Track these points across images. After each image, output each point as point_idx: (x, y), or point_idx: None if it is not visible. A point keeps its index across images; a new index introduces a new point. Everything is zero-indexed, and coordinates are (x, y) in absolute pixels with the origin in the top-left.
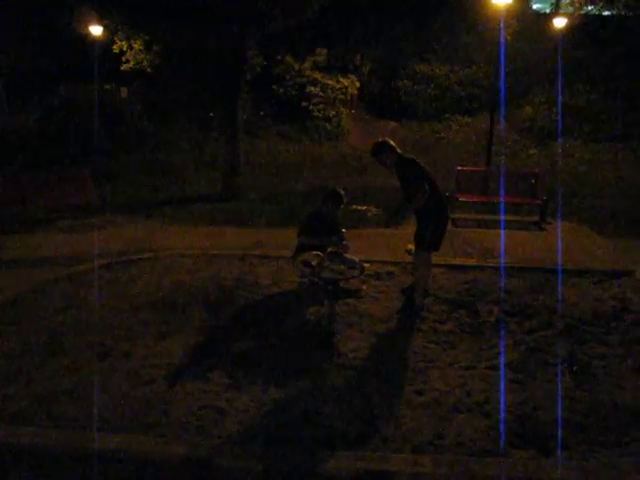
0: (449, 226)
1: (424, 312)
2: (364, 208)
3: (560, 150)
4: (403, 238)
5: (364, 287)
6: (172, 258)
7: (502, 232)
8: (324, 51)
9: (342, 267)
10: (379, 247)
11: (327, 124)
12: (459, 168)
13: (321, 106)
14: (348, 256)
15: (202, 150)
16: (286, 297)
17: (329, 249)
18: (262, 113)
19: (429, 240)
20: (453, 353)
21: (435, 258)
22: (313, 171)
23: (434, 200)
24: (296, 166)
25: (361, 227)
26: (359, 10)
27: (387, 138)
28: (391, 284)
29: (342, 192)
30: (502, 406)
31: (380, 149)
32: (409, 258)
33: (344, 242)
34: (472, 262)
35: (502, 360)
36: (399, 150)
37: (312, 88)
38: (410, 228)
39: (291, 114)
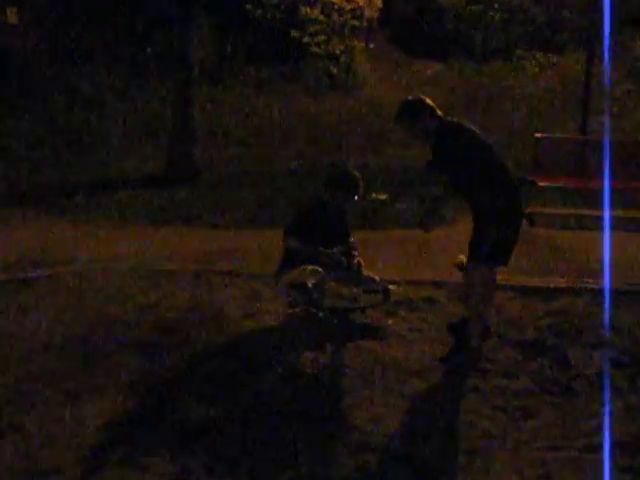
0: (523, 226)
1: (484, 361)
2: (384, 197)
3: None
4: (451, 244)
5: (390, 322)
6: (91, 276)
7: (606, 235)
8: None
9: (355, 291)
10: (413, 259)
11: (331, 66)
12: (538, 136)
13: (322, 38)
14: (364, 274)
15: (136, 108)
16: (266, 337)
17: (334, 260)
18: (230, 50)
19: (491, 248)
20: (530, 426)
21: (501, 276)
22: (309, 140)
23: (500, 189)
24: (282, 132)
25: (385, 228)
26: None
27: (422, 96)
28: (432, 317)
29: (357, 175)
30: None
31: (410, 113)
32: (460, 276)
33: (355, 253)
34: (560, 283)
35: (607, 438)
36: (440, 113)
37: (307, 9)
38: (462, 227)
39: (275, 51)
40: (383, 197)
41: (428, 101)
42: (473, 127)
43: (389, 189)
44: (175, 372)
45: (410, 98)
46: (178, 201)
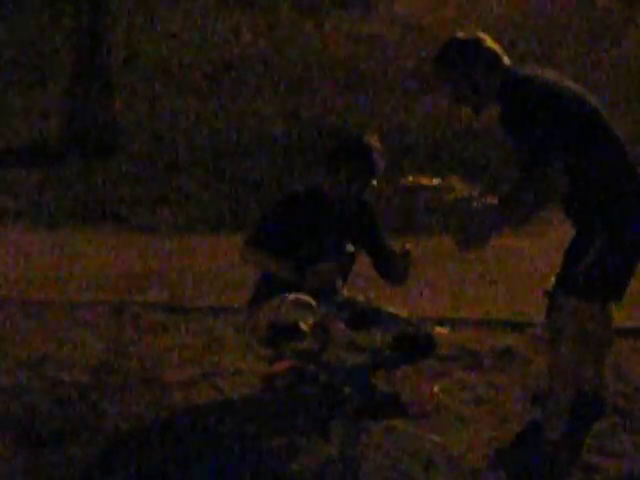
0: None
1: (593, 453)
2: (435, 183)
3: None
4: (539, 260)
5: (436, 389)
6: None
7: None
8: None
9: (379, 338)
10: (474, 285)
11: None
12: None
13: None
14: (390, 309)
15: (11, 33)
16: (232, 418)
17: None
18: None
19: (603, 274)
20: None
21: (617, 315)
22: (299, 86)
23: (615, 175)
24: (259, 74)
25: (428, 233)
26: None
27: (481, 34)
28: (506, 381)
29: (377, 144)
30: None
31: (457, 58)
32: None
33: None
34: None
35: None
36: (508, 61)
37: None
38: (557, 235)
39: None
40: (430, 182)
41: (490, 43)
42: (559, 77)
43: (436, 167)
44: (78, 473)
45: (460, 36)
46: (84, 187)
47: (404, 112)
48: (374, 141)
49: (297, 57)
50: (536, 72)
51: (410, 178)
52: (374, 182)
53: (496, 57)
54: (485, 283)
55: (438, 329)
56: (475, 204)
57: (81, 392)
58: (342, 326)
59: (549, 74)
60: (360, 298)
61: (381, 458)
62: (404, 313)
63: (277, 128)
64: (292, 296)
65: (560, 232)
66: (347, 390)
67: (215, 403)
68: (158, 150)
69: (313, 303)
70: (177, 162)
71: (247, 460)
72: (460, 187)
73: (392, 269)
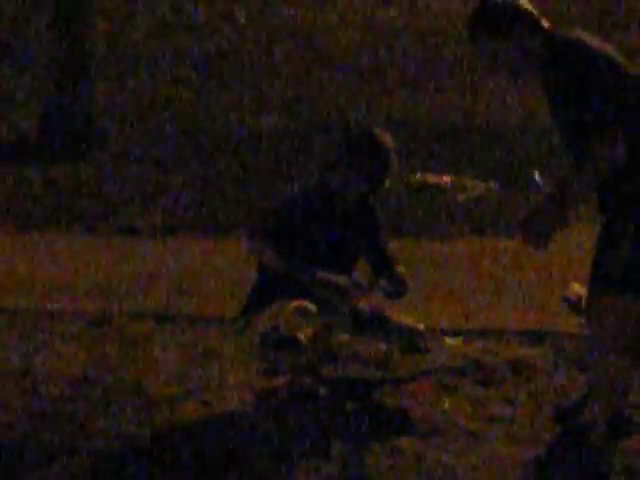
0: None
1: (619, 474)
2: (448, 180)
3: None
4: (558, 263)
5: (447, 405)
6: None
7: None
8: None
9: (384, 348)
10: (488, 291)
11: None
12: None
13: None
14: (397, 319)
15: None
16: (223, 435)
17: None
18: None
19: (635, 266)
20: None
21: None
22: (299, 75)
23: None
24: (250, 61)
25: (436, 236)
26: None
27: None
28: (522, 396)
29: (390, 141)
30: None
31: (496, 23)
32: (576, 321)
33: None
34: None
35: None
36: (546, 23)
37: None
38: (578, 233)
39: None
40: (443, 180)
41: (526, 4)
42: (608, 46)
43: (450, 165)
44: None
45: None
46: (63, 185)
47: (415, 101)
48: (389, 139)
49: (294, 41)
50: (585, 36)
51: (417, 176)
52: (385, 181)
53: (535, 17)
54: (499, 291)
55: (449, 340)
56: (481, 193)
57: (61, 407)
58: (345, 337)
59: (598, 41)
60: (366, 307)
61: (387, 479)
62: (413, 323)
63: (269, 121)
64: (293, 303)
65: (576, 237)
66: (350, 406)
67: (204, 420)
68: (142, 146)
69: (314, 311)
70: (163, 159)
71: None
72: (472, 185)
73: (390, 279)
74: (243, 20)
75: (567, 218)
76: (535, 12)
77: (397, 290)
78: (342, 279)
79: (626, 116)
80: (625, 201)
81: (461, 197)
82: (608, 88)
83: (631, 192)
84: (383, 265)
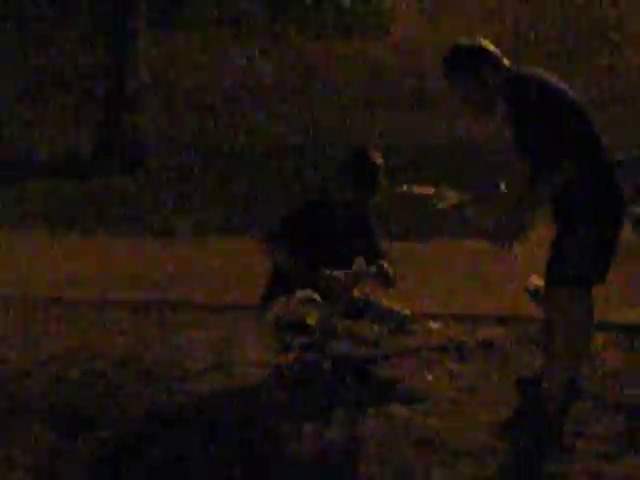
0: (627, 233)
1: (569, 435)
2: (429, 192)
3: None
4: (521, 261)
5: (430, 377)
6: None
7: None
8: None
9: (377, 331)
10: (464, 283)
11: None
12: None
13: None
14: (387, 305)
15: (51, 58)
16: (244, 401)
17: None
18: None
19: (585, 259)
20: None
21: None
22: (310, 105)
23: (598, 176)
24: (269, 92)
25: (421, 237)
26: None
27: (482, 40)
28: (492, 369)
29: (379, 159)
30: None
31: (463, 63)
32: (535, 309)
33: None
34: None
35: None
36: (507, 63)
37: None
38: (538, 237)
39: None
40: (423, 191)
41: (490, 46)
42: (556, 78)
43: (430, 178)
44: (107, 453)
45: (465, 42)
46: (114, 195)
47: (406, 126)
48: (378, 159)
49: (309, 79)
50: (539, 72)
51: (405, 187)
52: (375, 193)
53: (498, 58)
54: (472, 283)
55: (431, 324)
56: (468, 210)
57: (109, 381)
58: (345, 321)
59: (549, 76)
60: (360, 295)
61: (379, 441)
62: (401, 309)
63: (286, 137)
64: (300, 294)
65: (539, 238)
66: (348, 378)
67: (229, 390)
68: (180, 162)
69: (319, 300)
70: (197, 173)
71: (257, 441)
72: (450, 195)
73: (382, 272)
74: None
75: (525, 225)
76: (498, 53)
77: (385, 281)
78: (339, 274)
79: (573, 145)
80: (572, 213)
81: (441, 205)
82: (557, 120)
83: (576, 206)
84: (375, 260)
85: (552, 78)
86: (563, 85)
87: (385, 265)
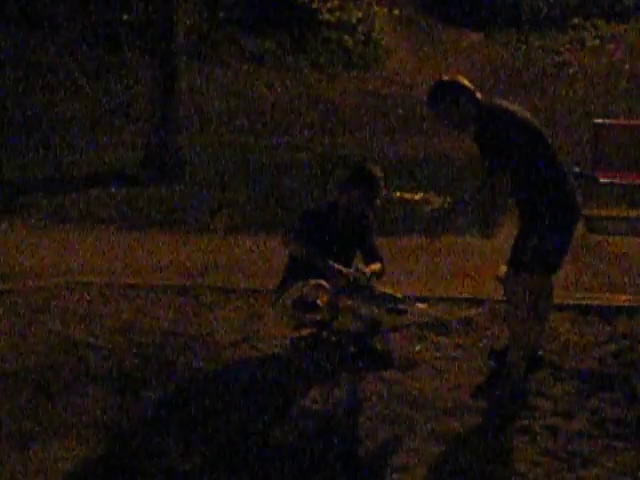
0: (580, 232)
1: (533, 397)
2: (418, 197)
3: None
4: (493, 253)
5: (418, 348)
6: (52, 292)
7: None
8: None
9: (376, 311)
10: (446, 271)
11: (347, 37)
12: (599, 122)
13: (336, 2)
14: (382, 289)
15: (107, 88)
16: (266, 367)
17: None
18: (222, 16)
19: (538, 252)
20: (589, 475)
21: (554, 293)
22: (319, 128)
23: (552, 182)
24: (286, 118)
25: (411, 235)
26: None
27: (458, 76)
28: (469, 342)
29: (378, 173)
30: None
31: (446, 96)
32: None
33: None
34: (626, 301)
35: None
36: (480, 95)
37: None
38: (507, 233)
39: (278, 19)
40: (415, 196)
41: (466, 82)
42: (519, 108)
43: (420, 186)
44: (154, 410)
45: (445, 78)
46: (158, 201)
47: (398, 145)
48: (379, 172)
49: (316, 105)
50: (504, 103)
51: (398, 194)
52: (376, 201)
53: (471, 91)
54: (453, 270)
55: (419, 305)
56: (441, 206)
57: (155, 351)
58: (348, 302)
59: (512, 105)
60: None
61: (377, 401)
62: (394, 292)
63: (297, 155)
64: (312, 281)
65: (508, 233)
66: (351, 350)
67: (254, 359)
68: (214, 174)
69: (327, 286)
70: (228, 182)
71: (278, 400)
72: (435, 200)
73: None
74: None
75: (494, 217)
76: (472, 87)
77: (378, 276)
78: (344, 268)
79: (526, 161)
80: (533, 214)
81: (427, 208)
82: (515, 143)
83: (536, 208)
84: (371, 256)
85: (515, 107)
86: (524, 113)
87: (378, 267)
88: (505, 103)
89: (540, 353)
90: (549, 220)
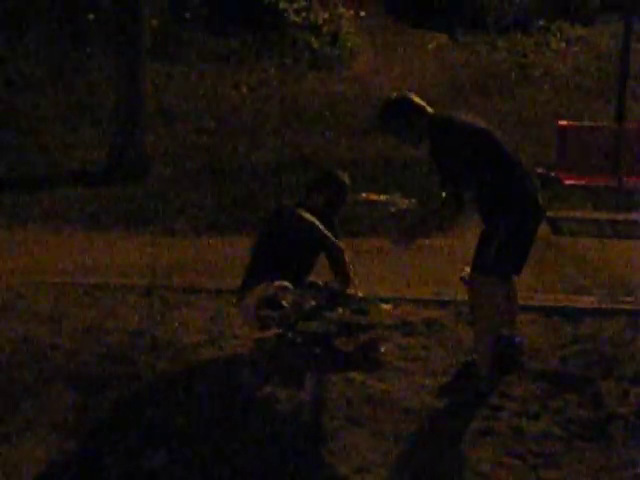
0: (543, 231)
1: (498, 397)
2: (383, 198)
3: None
4: (458, 255)
5: (383, 349)
6: (16, 291)
7: None
8: None
9: (340, 311)
10: (411, 273)
11: (313, 38)
12: (563, 124)
13: (303, 3)
14: (349, 291)
15: (72, 87)
16: (231, 368)
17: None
18: (188, 16)
19: (499, 254)
20: (553, 477)
21: (519, 295)
22: (284, 129)
23: (510, 186)
24: (252, 118)
25: (376, 235)
26: None
27: (407, 93)
28: (434, 343)
29: (345, 179)
30: None
31: (395, 114)
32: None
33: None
34: (590, 303)
35: None
36: (430, 110)
37: None
38: (471, 236)
39: (244, 20)
40: (379, 198)
41: (416, 98)
42: (469, 116)
43: (385, 188)
44: (119, 411)
45: (394, 96)
46: (124, 201)
47: (363, 146)
48: (346, 178)
49: (282, 106)
50: (454, 115)
51: (364, 195)
52: (342, 204)
53: (421, 107)
54: (419, 271)
55: (384, 305)
56: (412, 214)
57: (121, 351)
58: (312, 303)
59: (463, 116)
60: (323, 284)
61: (341, 402)
62: (359, 293)
63: (263, 155)
64: (277, 282)
65: (474, 234)
66: (316, 350)
67: (219, 360)
68: (179, 174)
69: (291, 287)
70: (193, 183)
71: (241, 402)
72: (400, 202)
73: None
74: None
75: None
76: (421, 102)
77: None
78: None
79: (482, 169)
80: (493, 215)
81: (392, 209)
82: (467, 149)
83: (497, 211)
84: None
85: (468, 117)
86: (476, 122)
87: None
88: (457, 115)
89: (518, 357)
90: (509, 222)
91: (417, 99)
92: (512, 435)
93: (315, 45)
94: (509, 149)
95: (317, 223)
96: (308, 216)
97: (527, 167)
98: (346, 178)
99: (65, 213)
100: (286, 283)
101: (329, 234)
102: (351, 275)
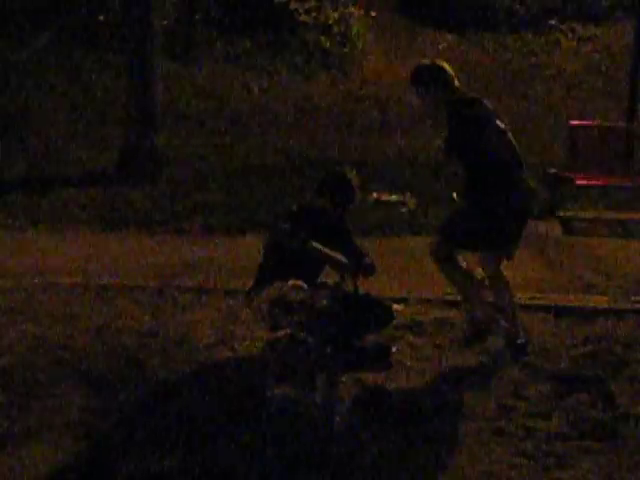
0: (555, 231)
1: (510, 398)
2: (393, 198)
3: None
4: (468, 255)
5: (394, 349)
6: (28, 293)
7: None
8: None
9: (351, 311)
10: (421, 273)
11: (323, 38)
12: (575, 123)
13: (313, 3)
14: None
15: (84, 87)
16: (243, 368)
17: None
18: (198, 17)
19: (472, 231)
20: (565, 477)
21: (529, 294)
22: (296, 129)
23: (500, 177)
24: (263, 119)
25: (387, 234)
26: None
27: (442, 61)
28: (444, 342)
29: (354, 180)
30: None
31: (423, 78)
32: (483, 295)
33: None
34: (602, 303)
35: None
36: (458, 84)
37: None
38: None
39: (255, 20)
40: (390, 198)
41: (447, 68)
42: (490, 109)
43: (396, 187)
44: (130, 411)
45: (427, 62)
46: (135, 202)
47: (374, 147)
48: (354, 177)
49: (293, 106)
50: (477, 100)
51: (375, 195)
52: (351, 205)
53: (450, 79)
54: (429, 272)
55: (395, 306)
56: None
57: (132, 352)
58: (324, 303)
59: (486, 105)
60: (334, 284)
61: (352, 402)
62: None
63: (275, 157)
64: (290, 282)
65: None
66: (328, 349)
67: (231, 361)
68: (191, 175)
69: (305, 286)
70: (205, 183)
71: (253, 403)
72: (411, 202)
73: (360, 264)
74: None
75: None
76: (451, 76)
77: (366, 272)
78: (339, 256)
79: (474, 163)
80: (472, 197)
81: (402, 209)
82: (465, 136)
83: (474, 193)
84: (354, 256)
85: (487, 110)
86: (490, 114)
87: (368, 260)
88: (479, 102)
89: (521, 341)
90: (489, 206)
91: (449, 69)
92: (524, 435)
93: (326, 45)
94: (512, 152)
95: (325, 251)
96: (317, 246)
97: (527, 172)
98: (355, 178)
99: (77, 214)
100: (299, 282)
101: (338, 257)
102: (357, 283)
